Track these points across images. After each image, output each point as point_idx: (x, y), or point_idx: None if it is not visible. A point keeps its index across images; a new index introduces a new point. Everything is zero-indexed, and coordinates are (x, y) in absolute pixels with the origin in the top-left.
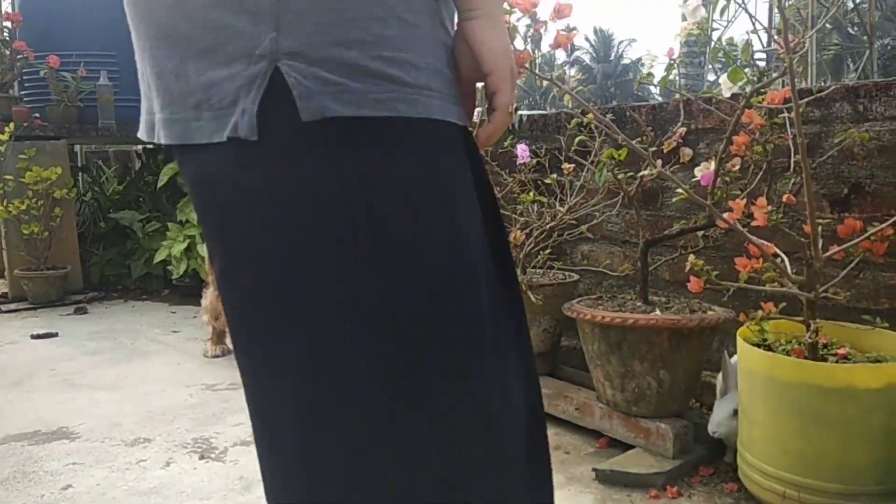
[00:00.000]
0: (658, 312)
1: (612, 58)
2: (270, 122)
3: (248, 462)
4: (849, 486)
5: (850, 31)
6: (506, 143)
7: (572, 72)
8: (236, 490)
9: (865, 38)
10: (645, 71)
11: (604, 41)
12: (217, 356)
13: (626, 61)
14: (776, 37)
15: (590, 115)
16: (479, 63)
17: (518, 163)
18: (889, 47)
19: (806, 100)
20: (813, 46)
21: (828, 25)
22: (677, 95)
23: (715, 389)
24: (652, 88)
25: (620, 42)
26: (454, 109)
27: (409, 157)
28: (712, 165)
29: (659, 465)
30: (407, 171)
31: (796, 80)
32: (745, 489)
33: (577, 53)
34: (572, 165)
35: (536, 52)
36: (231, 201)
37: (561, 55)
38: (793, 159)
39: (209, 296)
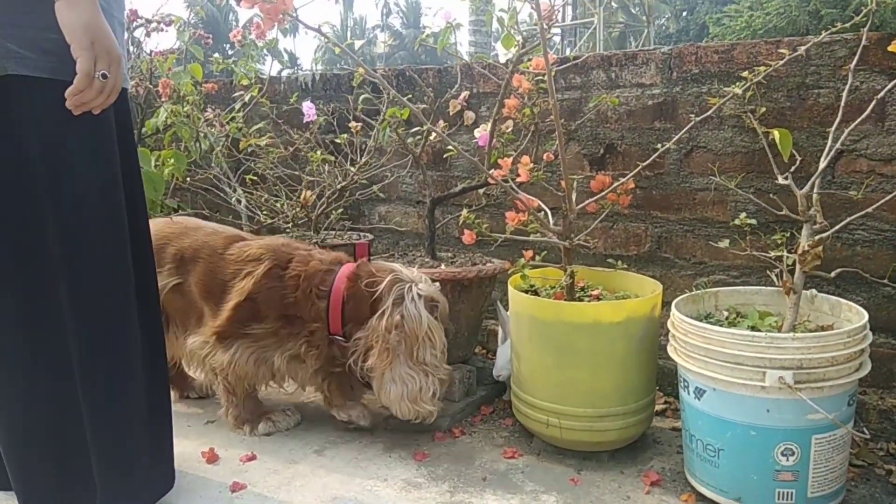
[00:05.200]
0: (443, 267)
1: (422, 24)
2: None
3: None
4: (598, 408)
5: (632, 10)
6: (292, 101)
7: (384, 37)
8: None
9: (645, 17)
10: (425, 34)
11: (413, 7)
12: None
13: (437, 29)
14: (533, 7)
15: (360, 70)
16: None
17: (304, 121)
18: (664, 27)
19: (562, 66)
20: (601, 24)
21: (614, 4)
22: (456, 59)
23: (497, 336)
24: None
25: (428, 8)
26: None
27: (62, 107)
28: (489, 128)
29: (444, 409)
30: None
31: (575, 50)
32: (518, 423)
33: (389, 19)
34: (359, 124)
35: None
36: None
37: (372, 19)
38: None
39: None
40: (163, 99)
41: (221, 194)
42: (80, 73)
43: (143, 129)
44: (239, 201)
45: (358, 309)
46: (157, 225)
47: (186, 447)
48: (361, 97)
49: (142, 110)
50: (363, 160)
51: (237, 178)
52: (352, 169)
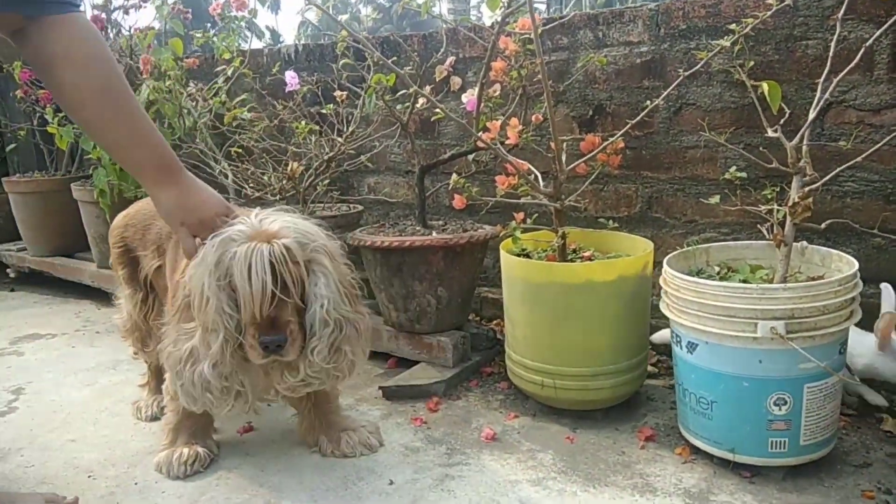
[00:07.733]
0: (434, 234)
1: None
2: None
3: (4, 432)
4: (592, 367)
5: None
6: (274, 71)
7: (367, 10)
8: None
9: None
10: None
11: None
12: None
13: (421, 1)
14: None
15: (343, 33)
16: None
17: (287, 90)
18: None
19: (549, 26)
20: None
21: None
22: (441, 24)
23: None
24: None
25: None
26: None
27: None
28: (476, 91)
29: (440, 375)
30: None
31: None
32: (514, 385)
33: None
34: (345, 93)
35: None
36: None
37: None
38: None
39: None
40: (144, 76)
41: (207, 169)
42: None
43: None
44: (226, 175)
45: None
46: (141, 204)
47: None
48: (342, 62)
49: None
50: (350, 129)
51: (223, 152)
52: (339, 139)
